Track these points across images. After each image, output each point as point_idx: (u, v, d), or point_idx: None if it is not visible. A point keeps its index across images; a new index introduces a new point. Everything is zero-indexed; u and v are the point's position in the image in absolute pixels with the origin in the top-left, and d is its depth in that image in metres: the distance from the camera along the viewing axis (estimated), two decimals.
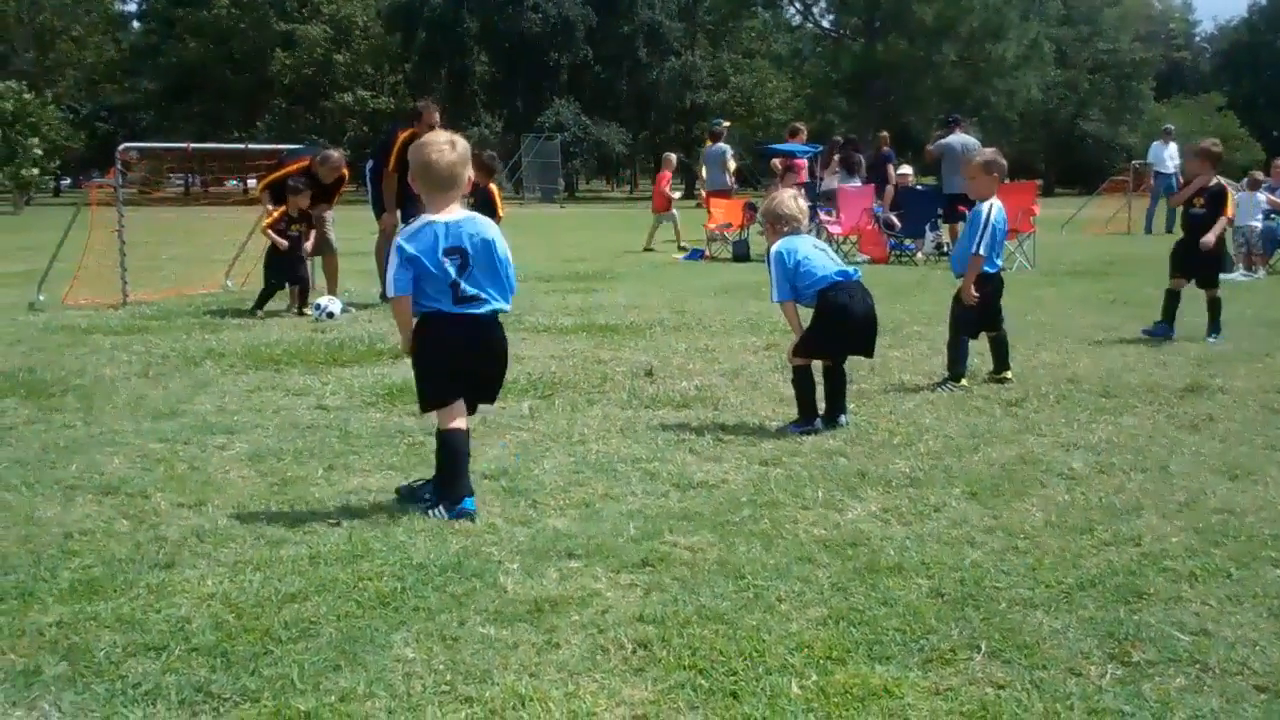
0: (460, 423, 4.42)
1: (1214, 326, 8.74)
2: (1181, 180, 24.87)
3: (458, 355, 4.39)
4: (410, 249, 4.27)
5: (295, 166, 11.20)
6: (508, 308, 4.45)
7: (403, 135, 11.24)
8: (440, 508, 4.34)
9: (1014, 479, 4.85)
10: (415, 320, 4.40)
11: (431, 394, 4.46)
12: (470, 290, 4.32)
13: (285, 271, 10.82)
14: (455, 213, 4.35)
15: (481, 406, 4.75)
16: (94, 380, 7.22)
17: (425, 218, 4.34)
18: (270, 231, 10.76)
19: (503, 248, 4.40)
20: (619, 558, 3.87)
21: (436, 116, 11.38)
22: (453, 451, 4.39)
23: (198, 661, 3.08)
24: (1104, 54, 65.64)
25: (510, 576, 3.69)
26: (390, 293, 4.41)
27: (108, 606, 3.45)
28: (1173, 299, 8.80)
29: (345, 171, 11.54)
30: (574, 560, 3.86)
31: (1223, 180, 8.97)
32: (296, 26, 59.36)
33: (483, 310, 4.36)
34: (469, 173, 4.40)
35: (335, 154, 11.43)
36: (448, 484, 4.39)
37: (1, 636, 3.25)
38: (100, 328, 9.69)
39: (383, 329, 9.53)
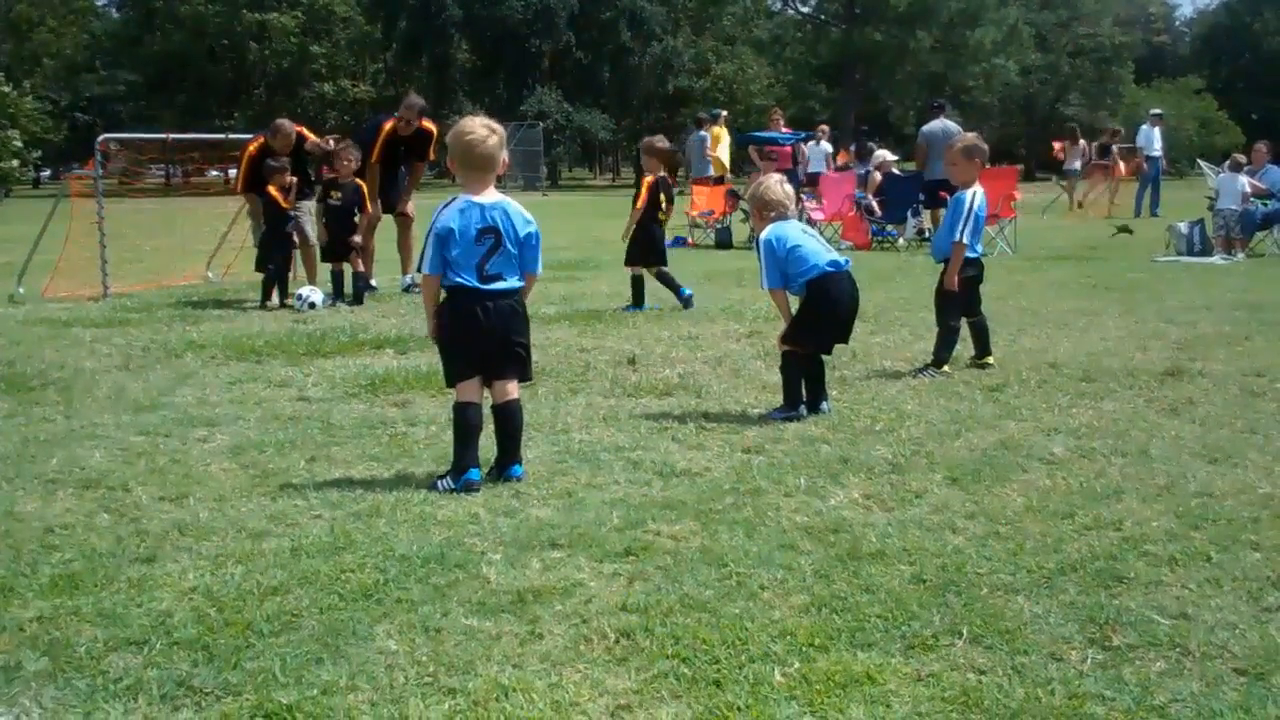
0: (473, 397, 4.66)
1: None
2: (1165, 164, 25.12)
3: (478, 330, 4.59)
4: (446, 227, 4.53)
5: (253, 148, 10.66)
6: (521, 284, 4.67)
7: (386, 126, 11.17)
8: (448, 478, 4.56)
9: (995, 464, 4.87)
10: (443, 295, 4.66)
11: (456, 372, 4.70)
12: (493, 270, 4.57)
13: (281, 247, 10.55)
14: (491, 195, 4.62)
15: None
16: (74, 373, 7.18)
17: (464, 197, 4.58)
18: (274, 192, 10.37)
19: (531, 230, 4.65)
20: (602, 547, 3.87)
21: (417, 103, 11.28)
22: (462, 425, 4.63)
23: (179, 655, 3.07)
24: (1084, 38, 65.78)
25: (493, 567, 3.69)
26: (424, 270, 4.64)
27: (89, 601, 3.44)
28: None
29: (316, 139, 11.18)
30: (557, 550, 3.86)
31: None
32: (269, 16, 58.63)
33: (504, 286, 4.59)
34: (504, 155, 4.65)
35: (284, 121, 10.88)
36: (457, 455, 4.62)
37: None
38: (80, 320, 9.63)
39: (364, 319, 9.50)
